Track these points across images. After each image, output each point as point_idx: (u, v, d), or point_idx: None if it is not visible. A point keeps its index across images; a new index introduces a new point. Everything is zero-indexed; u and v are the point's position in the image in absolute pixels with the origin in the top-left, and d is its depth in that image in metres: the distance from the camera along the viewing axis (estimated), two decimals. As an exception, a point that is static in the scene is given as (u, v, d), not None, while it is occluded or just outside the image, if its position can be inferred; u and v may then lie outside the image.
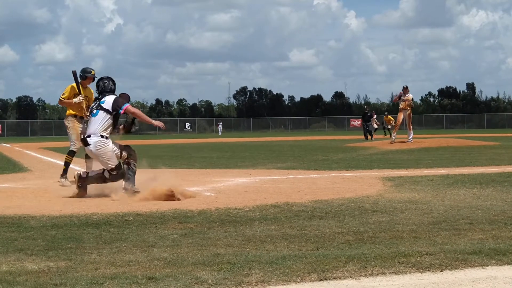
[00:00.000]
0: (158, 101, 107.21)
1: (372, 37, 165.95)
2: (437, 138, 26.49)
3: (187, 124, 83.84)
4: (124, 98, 8.54)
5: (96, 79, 9.66)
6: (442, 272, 4.16)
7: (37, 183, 10.31)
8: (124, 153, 8.33)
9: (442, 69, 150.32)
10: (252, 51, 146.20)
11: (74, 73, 10.11)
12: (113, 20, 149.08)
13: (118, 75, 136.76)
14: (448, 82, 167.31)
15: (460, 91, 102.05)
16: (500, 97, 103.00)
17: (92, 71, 10.37)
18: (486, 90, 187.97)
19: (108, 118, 8.32)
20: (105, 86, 8.57)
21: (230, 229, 5.80)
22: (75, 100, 10.17)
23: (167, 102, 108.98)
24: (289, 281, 3.95)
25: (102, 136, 8.27)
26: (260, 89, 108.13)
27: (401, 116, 22.87)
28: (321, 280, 3.98)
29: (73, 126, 10.25)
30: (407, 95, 22.73)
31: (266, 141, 36.88)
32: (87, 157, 9.39)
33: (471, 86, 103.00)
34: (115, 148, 8.32)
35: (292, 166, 14.02)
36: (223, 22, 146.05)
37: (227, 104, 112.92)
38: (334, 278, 4.01)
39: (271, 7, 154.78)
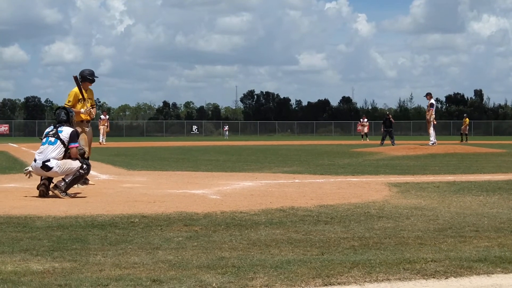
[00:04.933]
0: (165, 103, 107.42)
1: (382, 42, 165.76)
2: (444, 145, 26.41)
3: (194, 127, 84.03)
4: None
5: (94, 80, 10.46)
6: (447, 279, 4.15)
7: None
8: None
9: (451, 75, 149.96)
10: (261, 55, 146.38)
11: (75, 78, 10.30)
12: (123, 22, 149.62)
13: (126, 76, 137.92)
14: (457, 89, 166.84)
15: (467, 97, 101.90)
16: (508, 104, 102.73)
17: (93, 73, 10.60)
18: (494, 97, 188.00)
19: (63, 148, 8.66)
20: (57, 116, 9.02)
21: (235, 233, 5.81)
22: (82, 110, 10.37)
23: (174, 104, 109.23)
24: (294, 285, 3.95)
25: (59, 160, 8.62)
26: (267, 92, 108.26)
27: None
28: (326, 285, 3.98)
29: (82, 132, 10.29)
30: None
31: (273, 145, 36.86)
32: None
33: (479, 93, 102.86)
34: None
35: (298, 170, 14.01)
36: (233, 25, 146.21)
37: (234, 107, 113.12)
38: (339, 284, 4.01)
39: (282, 11, 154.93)
